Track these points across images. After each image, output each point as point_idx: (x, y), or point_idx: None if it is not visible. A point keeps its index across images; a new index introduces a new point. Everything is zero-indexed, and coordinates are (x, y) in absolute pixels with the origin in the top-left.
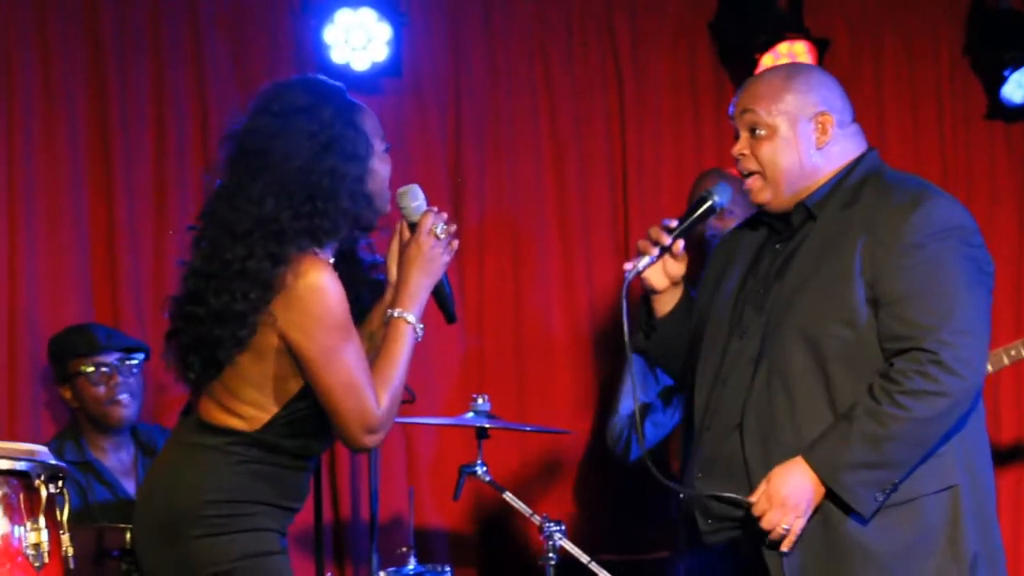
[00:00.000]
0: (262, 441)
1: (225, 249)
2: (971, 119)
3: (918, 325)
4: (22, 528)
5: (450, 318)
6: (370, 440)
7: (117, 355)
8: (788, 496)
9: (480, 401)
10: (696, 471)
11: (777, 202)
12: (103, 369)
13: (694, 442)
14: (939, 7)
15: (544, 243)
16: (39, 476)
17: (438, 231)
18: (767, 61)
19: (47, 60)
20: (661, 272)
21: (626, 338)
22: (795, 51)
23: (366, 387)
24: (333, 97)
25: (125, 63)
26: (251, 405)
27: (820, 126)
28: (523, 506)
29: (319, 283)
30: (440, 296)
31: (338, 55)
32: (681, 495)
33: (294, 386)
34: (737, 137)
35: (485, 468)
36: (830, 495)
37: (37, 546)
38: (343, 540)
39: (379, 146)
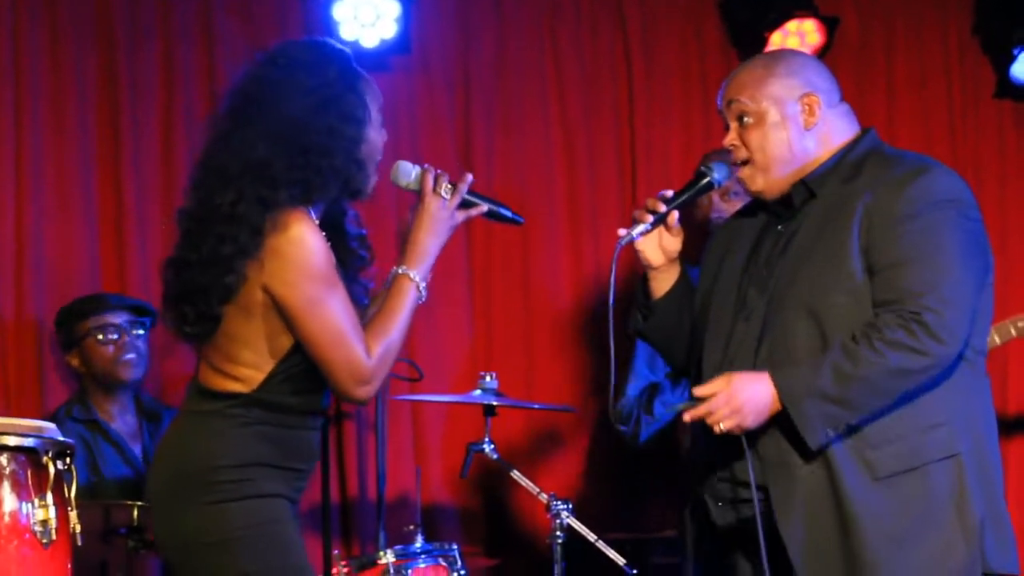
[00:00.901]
0: (261, 400)
1: (216, 193)
2: (980, 98)
3: (906, 291)
4: (30, 505)
5: (516, 220)
6: (362, 391)
7: (126, 315)
8: (744, 403)
9: (488, 379)
10: (704, 450)
11: (771, 188)
12: (111, 330)
13: (703, 424)
14: None
15: (553, 223)
16: (47, 453)
17: (442, 190)
18: (776, 40)
19: (56, 39)
20: (656, 246)
21: (610, 302)
22: (804, 29)
23: (353, 338)
24: (338, 59)
25: (135, 42)
26: (246, 366)
27: (807, 107)
28: (530, 484)
29: (301, 234)
30: (496, 215)
31: (347, 31)
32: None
33: (286, 342)
34: (727, 129)
35: (493, 446)
36: (783, 418)
37: (45, 523)
38: (350, 518)
39: (376, 117)
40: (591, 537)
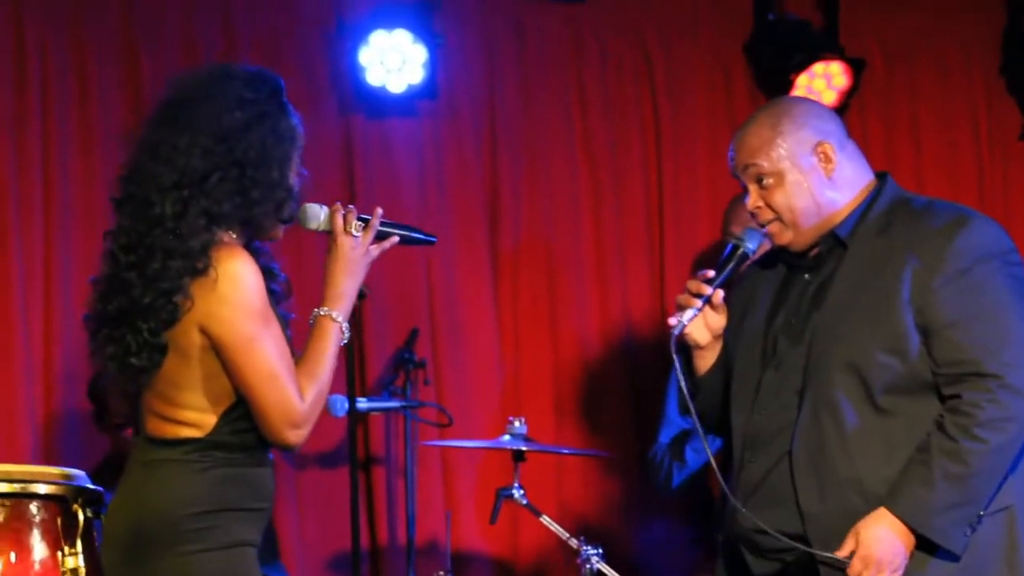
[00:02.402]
0: (218, 443)
1: (153, 204)
2: (1007, 140)
3: (977, 348)
4: (60, 552)
5: (429, 240)
6: (294, 436)
7: None
8: (883, 556)
9: (517, 424)
10: (741, 502)
11: (800, 241)
12: None
13: (734, 475)
14: (974, 28)
15: (580, 266)
16: (77, 500)
17: (352, 229)
18: (802, 82)
19: (83, 78)
20: (703, 326)
21: (686, 393)
22: (830, 71)
23: (288, 379)
24: (277, 87)
25: (160, 83)
26: (196, 410)
27: (823, 156)
28: (560, 530)
29: (237, 270)
30: (409, 240)
31: (373, 77)
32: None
33: (231, 381)
34: (745, 190)
35: (522, 491)
36: (920, 541)
37: (75, 571)
38: (380, 565)
39: (298, 157)
40: None
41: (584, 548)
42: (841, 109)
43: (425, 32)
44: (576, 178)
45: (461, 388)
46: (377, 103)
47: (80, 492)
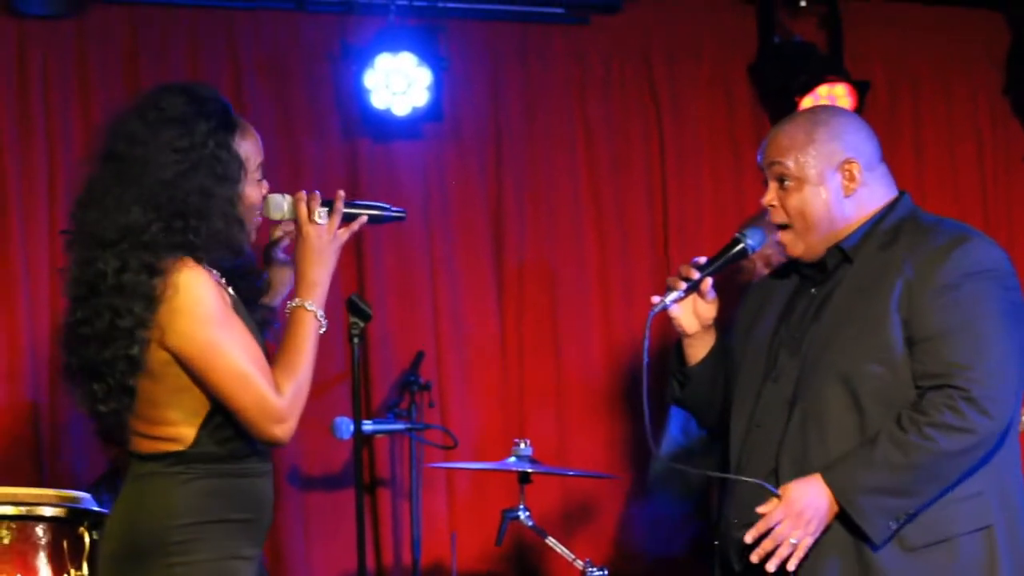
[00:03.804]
0: (201, 454)
1: (96, 259)
2: (1011, 161)
3: (952, 363)
4: (66, 574)
5: (399, 215)
6: (279, 431)
7: None
8: (803, 511)
9: (522, 446)
10: (732, 516)
11: (811, 253)
12: None
13: (730, 484)
14: (978, 48)
15: (584, 287)
16: (83, 523)
17: (317, 217)
18: (807, 104)
19: (87, 104)
20: (691, 312)
21: (644, 368)
22: (835, 93)
23: (259, 377)
24: (212, 113)
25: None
26: (174, 425)
27: (847, 173)
28: (566, 551)
29: (187, 282)
30: (378, 219)
31: (379, 100)
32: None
33: (205, 392)
34: (766, 184)
35: (528, 513)
36: (844, 518)
37: None
38: None
39: (254, 171)
40: None
41: (589, 570)
42: None
43: (430, 55)
44: (580, 199)
45: (466, 410)
46: (382, 126)
47: (86, 515)
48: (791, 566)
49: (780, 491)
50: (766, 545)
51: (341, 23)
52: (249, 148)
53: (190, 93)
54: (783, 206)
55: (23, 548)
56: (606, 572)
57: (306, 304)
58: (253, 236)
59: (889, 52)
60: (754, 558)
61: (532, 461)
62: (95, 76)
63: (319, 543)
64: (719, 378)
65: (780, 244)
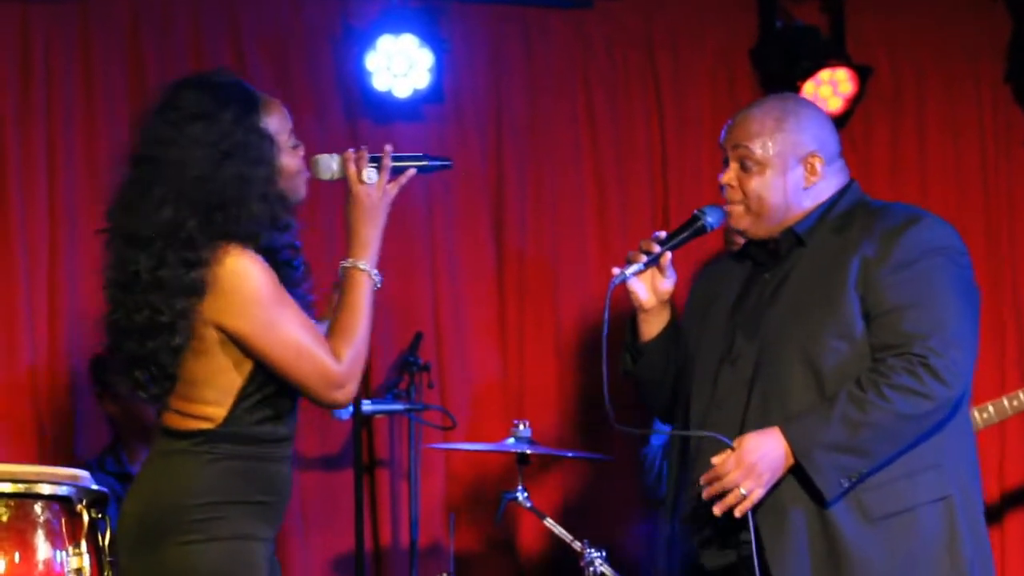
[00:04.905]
0: (228, 434)
1: (132, 259)
2: (1012, 147)
3: (909, 333)
4: (64, 553)
5: (445, 164)
6: (340, 395)
7: None
8: (757, 462)
9: (521, 427)
10: (692, 495)
11: (755, 231)
12: None
13: (689, 468)
14: (981, 35)
15: (585, 270)
16: (81, 501)
17: (365, 177)
18: (809, 89)
19: (89, 80)
20: (649, 287)
21: (603, 336)
22: (837, 78)
23: (317, 347)
24: (232, 100)
25: (167, 85)
26: (207, 404)
27: (810, 167)
28: (564, 532)
29: (240, 265)
30: (426, 168)
31: (380, 82)
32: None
33: (243, 372)
34: (725, 163)
35: (526, 494)
36: (798, 472)
37: (79, 571)
38: (383, 566)
39: (286, 140)
40: None
41: (588, 551)
42: (847, 116)
43: (432, 37)
44: (581, 181)
45: (465, 391)
46: (383, 108)
47: (85, 493)
48: (738, 513)
49: (735, 443)
50: (714, 488)
51: (343, 4)
52: (276, 121)
53: (206, 84)
54: (742, 187)
55: (21, 526)
56: (604, 553)
57: (359, 264)
58: (302, 195)
59: (892, 37)
60: (705, 496)
61: (531, 442)
62: (98, 57)
63: (317, 523)
64: (671, 356)
65: (727, 214)
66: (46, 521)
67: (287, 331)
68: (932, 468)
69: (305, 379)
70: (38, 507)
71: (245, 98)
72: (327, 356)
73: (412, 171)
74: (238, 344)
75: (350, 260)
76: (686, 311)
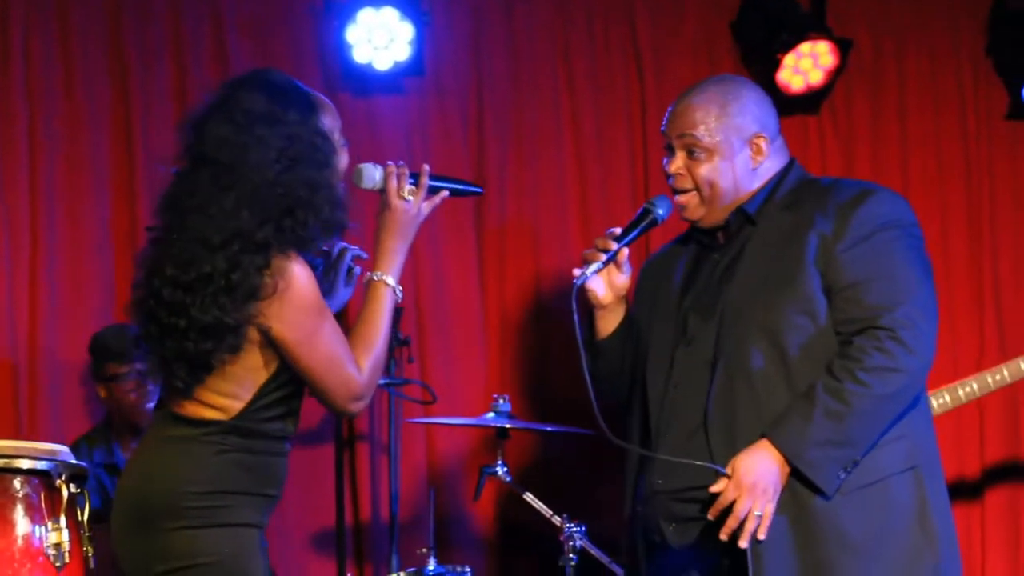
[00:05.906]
0: (239, 428)
1: (203, 261)
2: (993, 119)
3: (874, 307)
4: (43, 528)
5: (476, 191)
6: (356, 406)
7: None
8: (757, 482)
9: (501, 402)
10: (656, 477)
11: (710, 219)
12: (134, 375)
13: (652, 448)
14: (961, 7)
15: (566, 244)
16: (60, 476)
17: (404, 193)
18: (789, 61)
19: (69, 62)
20: (606, 283)
21: (580, 343)
22: (817, 51)
23: (347, 360)
24: (293, 99)
25: (147, 63)
26: (225, 396)
27: (755, 147)
28: (544, 507)
29: (295, 274)
30: (458, 192)
31: (360, 54)
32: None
33: (267, 372)
34: (670, 151)
35: (506, 469)
36: (795, 474)
37: (58, 546)
38: (363, 541)
39: (338, 140)
40: (604, 560)
41: (567, 526)
42: (828, 89)
43: (412, 9)
44: (562, 155)
45: (445, 366)
46: (364, 80)
47: (64, 467)
48: (761, 535)
49: (728, 468)
50: (730, 524)
51: None
52: (331, 121)
53: (270, 87)
54: (691, 174)
55: (0, 500)
56: (584, 528)
57: (385, 278)
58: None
59: (872, 10)
60: (723, 536)
61: (510, 417)
62: (76, 36)
63: (298, 499)
64: (628, 348)
65: (679, 206)
66: (25, 496)
67: (325, 342)
68: (898, 440)
69: (331, 389)
70: (17, 482)
71: (306, 100)
72: (354, 369)
73: (445, 193)
74: (275, 347)
75: (378, 273)
76: (636, 299)
